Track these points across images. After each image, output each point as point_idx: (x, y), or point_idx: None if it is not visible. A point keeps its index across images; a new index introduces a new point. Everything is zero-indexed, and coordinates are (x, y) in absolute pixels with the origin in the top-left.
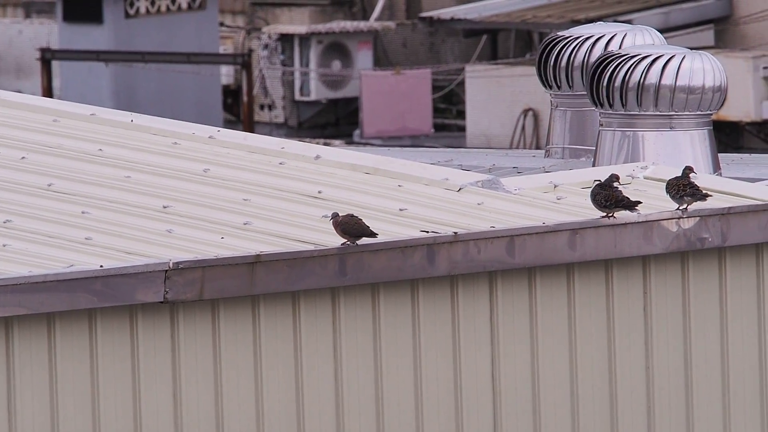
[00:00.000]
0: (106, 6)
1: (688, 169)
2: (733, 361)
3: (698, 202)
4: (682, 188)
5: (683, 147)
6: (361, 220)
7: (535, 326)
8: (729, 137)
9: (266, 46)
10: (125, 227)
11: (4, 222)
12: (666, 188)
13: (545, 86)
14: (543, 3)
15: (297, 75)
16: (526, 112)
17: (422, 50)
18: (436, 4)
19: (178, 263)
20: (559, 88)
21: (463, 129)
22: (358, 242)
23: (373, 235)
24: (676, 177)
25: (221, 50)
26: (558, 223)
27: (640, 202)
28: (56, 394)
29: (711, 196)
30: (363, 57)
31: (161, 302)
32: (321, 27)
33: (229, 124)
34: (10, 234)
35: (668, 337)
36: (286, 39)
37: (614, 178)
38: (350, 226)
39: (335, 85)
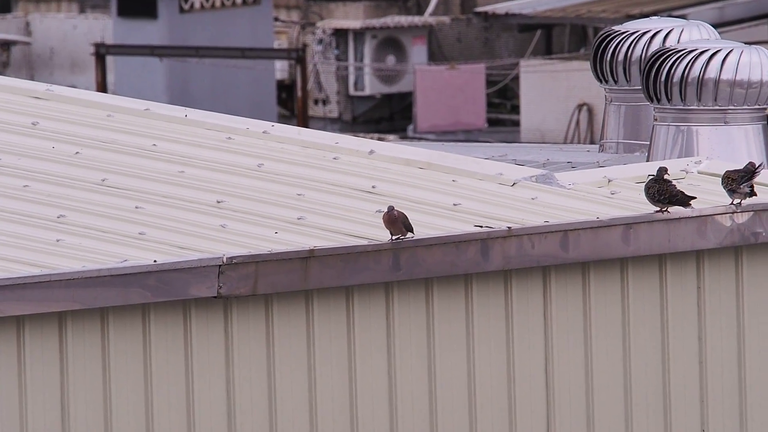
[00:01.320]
0: (160, 1)
1: (750, 165)
2: None
3: (749, 195)
4: (732, 181)
5: (737, 141)
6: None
7: (589, 321)
8: None
9: (320, 41)
10: (179, 222)
11: (58, 217)
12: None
13: (600, 81)
14: None
15: (351, 70)
16: (580, 106)
17: (477, 45)
18: None
19: (231, 258)
20: (614, 82)
21: (517, 124)
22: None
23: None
24: (735, 170)
25: (275, 45)
26: (612, 218)
27: (694, 197)
28: (109, 391)
29: (756, 195)
30: (417, 52)
31: (215, 297)
32: (375, 22)
33: (283, 119)
34: (64, 229)
35: (722, 332)
36: (340, 34)
37: (663, 170)
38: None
39: (389, 79)
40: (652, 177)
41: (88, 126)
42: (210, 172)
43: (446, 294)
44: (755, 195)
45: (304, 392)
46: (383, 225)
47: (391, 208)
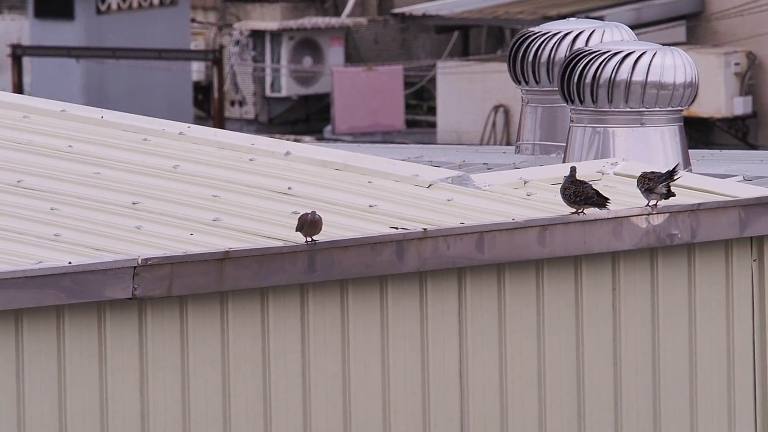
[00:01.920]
0: (77, 2)
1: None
2: (701, 357)
3: (666, 197)
4: (647, 182)
5: (654, 143)
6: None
7: (504, 323)
8: (700, 133)
9: (237, 43)
10: (94, 223)
11: None
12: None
13: (516, 82)
14: None
15: (268, 71)
16: (496, 108)
17: (394, 46)
18: (408, 0)
19: (146, 259)
20: (531, 84)
21: (434, 125)
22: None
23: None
24: (652, 171)
25: (192, 46)
26: (527, 220)
27: (609, 200)
28: (22, 393)
29: (673, 195)
30: (334, 53)
31: (130, 299)
32: (292, 23)
33: (199, 121)
34: None
35: (636, 333)
36: (257, 35)
37: (574, 170)
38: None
39: (306, 81)
40: (567, 178)
41: (4, 127)
42: (126, 174)
43: (361, 295)
44: (673, 195)
45: (218, 395)
46: (301, 226)
47: (314, 213)
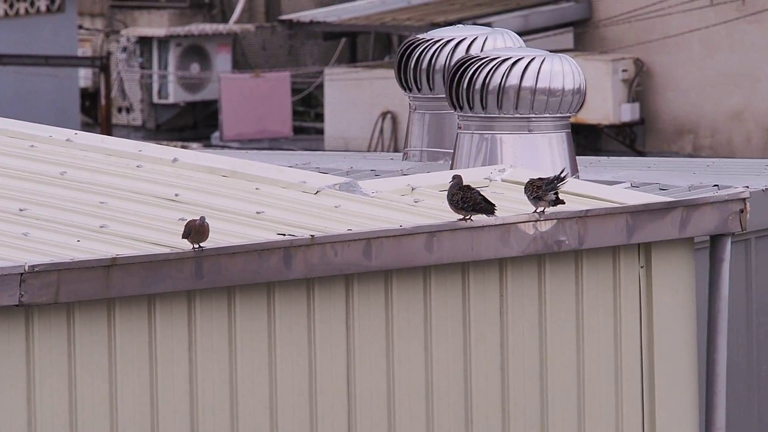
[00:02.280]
0: None
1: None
2: (589, 363)
3: (554, 204)
4: (536, 189)
5: (541, 149)
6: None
7: (391, 329)
8: (588, 140)
9: (125, 49)
10: None
11: None
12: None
13: (404, 89)
14: (402, 6)
15: (155, 78)
16: (384, 114)
17: (281, 53)
18: (295, 6)
19: (33, 266)
20: (418, 90)
21: (321, 132)
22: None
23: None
24: (539, 178)
25: (80, 53)
26: (415, 226)
27: (495, 207)
28: None
29: (563, 203)
30: (222, 60)
31: (16, 305)
32: (180, 30)
33: (87, 127)
34: None
35: (524, 339)
36: (144, 42)
37: (458, 178)
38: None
39: (194, 87)
40: (454, 185)
41: None
42: (12, 180)
43: (249, 302)
44: (562, 203)
45: (105, 403)
46: (188, 233)
47: (202, 219)
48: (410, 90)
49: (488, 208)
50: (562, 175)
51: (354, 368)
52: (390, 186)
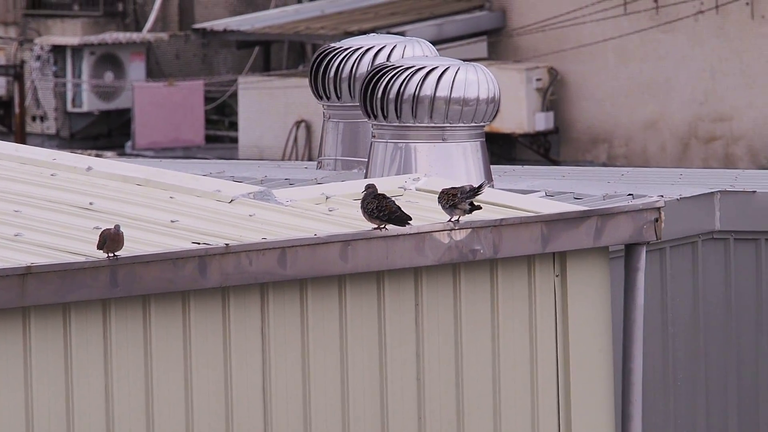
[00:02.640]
0: None
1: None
2: (504, 372)
3: (470, 211)
4: (451, 198)
5: (456, 158)
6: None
7: (307, 338)
8: (502, 149)
9: (39, 58)
10: None
11: None
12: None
13: (318, 98)
14: (316, 15)
15: (69, 86)
16: (298, 123)
17: (195, 61)
18: (209, 15)
19: None
20: (331, 99)
21: (235, 140)
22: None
23: None
24: (452, 187)
25: None
26: (330, 235)
27: (410, 219)
28: None
29: (479, 208)
30: (136, 68)
31: None
32: (93, 38)
33: (1, 136)
34: None
35: (440, 348)
36: (58, 50)
37: (371, 187)
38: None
39: (108, 96)
40: (369, 193)
41: None
42: None
43: (164, 311)
44: (479, 208)
45: (21, 412)
46: (103, 241)
47: (117, 227)
48: (324, 99)
49: (403, 218)
50: (479, 187)
51: (270, 377)
52: (304, 195)
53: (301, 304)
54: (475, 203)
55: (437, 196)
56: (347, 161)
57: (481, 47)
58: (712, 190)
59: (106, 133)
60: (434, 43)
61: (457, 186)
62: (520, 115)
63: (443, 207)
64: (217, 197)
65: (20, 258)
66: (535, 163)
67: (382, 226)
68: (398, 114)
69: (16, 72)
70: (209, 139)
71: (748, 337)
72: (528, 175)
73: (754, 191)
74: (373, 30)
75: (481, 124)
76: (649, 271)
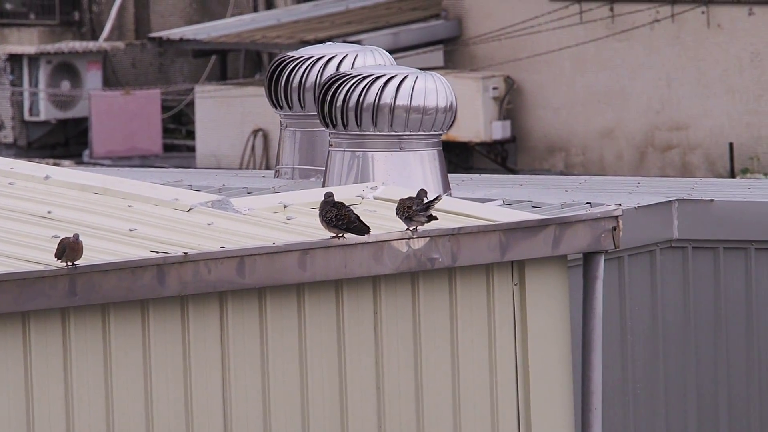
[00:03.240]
0: None
1: (423, 192)
2: (464, 380)
3: (427, 221)
4: (407, 209)
5: (413, 167)
6: None
7: (266, 347)
8: (459, 157)
9: None
10: None
11: None
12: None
13: (274, 106)
14: (272, 23)
15: (26, 95)
16: (255, 132)
17: (151, 70)
18: (165, 24)
19: None
20: (288, 108)
21: (193, 149)
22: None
23: None
24: (409, 197)
25: None
26: (288, 243)
27: (369, 229)
28: None
29: (435, 219)
30: (92, 77)
31: None
32: (50, 47)
33: None
34: None
35: (399, 357)
36: (15, 59)
37: (330, 195)
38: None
39: (65, 105)
40: (327, 202)
41: None
42: None
43: (123, 320)
44: (435, 219)
45: None
46: (62, 250)
47: (76, 236)
48: (281, 107)
49: (362, 228)
50: (435, 199)
51: (229, 385)
52: (262, 203)
53: (260, 312)
54: (433, 214)
55: (395, 206)
56: (305, 170)
57: (437, 56)
58: (670, 199)
59: (64, 142)
60: (390, 51)
61: (413, 196)
62: (477, 124)
63: (400, 218)
64: (176, 206)
65: None
66: (492, 172)
67: (341, 234)
68: (358, 122)
69: None
70: (166, 147)
71: (706, 345)
72: (485, 184)
73: (712, 200)
74: (329, 39)
75: (438, 132)
76: (608, 279)
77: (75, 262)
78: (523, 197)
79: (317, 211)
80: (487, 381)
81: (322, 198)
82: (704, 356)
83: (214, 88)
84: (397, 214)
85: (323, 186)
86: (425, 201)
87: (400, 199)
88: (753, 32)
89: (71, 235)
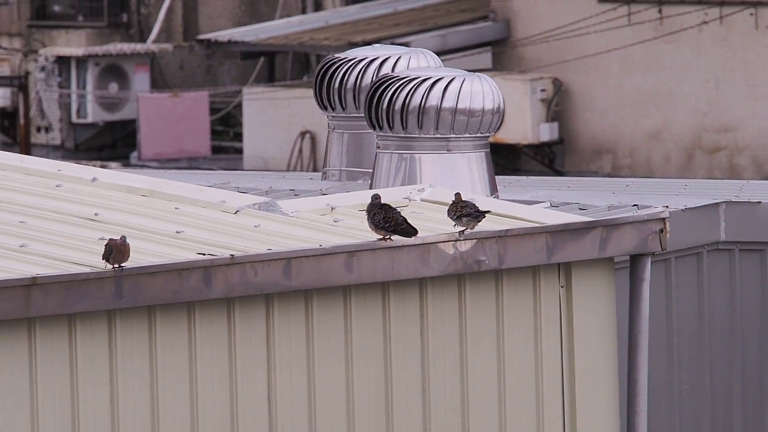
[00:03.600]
0: None
1: (457, 196)
2: (510, 382)
3: (476, 222)
4: (460, 209)
5: (460, 169)
6: None
7: (312, 349)
8: (506, 159)
9: (43, 69)
10: None
11: None
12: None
13: (322, 108)
14: (320, 25)
15: (74, 97)
16: (303, 134)
17: (199, 72)
18: (213, 26)
19: None
20: (336, 110)
21: (240, 151)
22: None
23: None
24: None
25: None
26: (335, 246)
27: (416, 231)
28: None
29: (488, 213)
30: (140, 79)
31: None
32: (98, 49)
33: (6, 147)
34: None
35: (445, 359)
36: (63, 61)
37: (376, 197)
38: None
39: (112, 107)
40: (374, 204)
41: None
42: None
43: (169, 322)
44: (484, 214)
45: (27, 424)
46: (109, 252)
47: (123, 238)
48: (329, 109)
49: (409, 230)
50: (486, 211)
51: (275, 387)
52: (309, 206)
53: (306, 314)
54: (482, 211)
55: (442, 206)
56: (352, 172)
57: (485, 58)
58: (717, 201)
59: (111, 144)
60: (438, 53)
61: (466, 200)
62: (525, 126)
63: (452, 218)
64: (223, 208)
65: (25, 269)
66: (539, 174)
67: (388, 237)
68: (404, 125)
69: (20, 83)
70: (214, 149)
71: (753, 347)
72: (533, 186)
73: (759, 202)
74: (377, 41)
75: (486, 134)
76: (654, 281)
77: (122, 264)
78: (570, 199)
79: (364, 214)
80: (533, 383)
81: (369, 200)
82: (750, 358)
83: (261, 90)
84: (448, 214)
85: (370, 188)
86: (475, 207)
87: (452, 201)
88: None
89: (118, 237)
